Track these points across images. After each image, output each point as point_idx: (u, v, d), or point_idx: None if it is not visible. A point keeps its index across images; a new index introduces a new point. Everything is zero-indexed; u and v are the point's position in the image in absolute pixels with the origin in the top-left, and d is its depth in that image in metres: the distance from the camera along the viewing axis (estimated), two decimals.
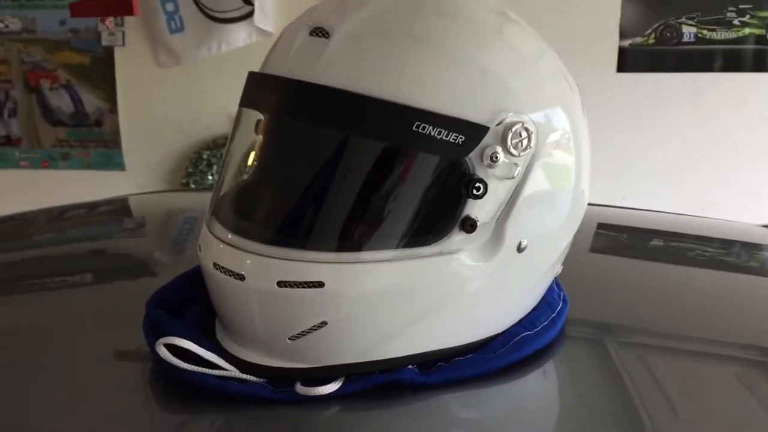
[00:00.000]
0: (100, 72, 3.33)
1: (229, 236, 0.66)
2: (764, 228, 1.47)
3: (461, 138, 0.62)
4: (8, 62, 3.35)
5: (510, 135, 0.64)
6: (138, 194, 1.93)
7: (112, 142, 3.41)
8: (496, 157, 0.64)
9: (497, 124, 0.64)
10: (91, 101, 3.39)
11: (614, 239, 1.34)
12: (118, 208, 1.58)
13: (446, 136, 0.62)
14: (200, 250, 0.70)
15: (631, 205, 1.66)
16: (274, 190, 0.69)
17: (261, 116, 0.70)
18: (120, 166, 3.43)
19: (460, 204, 0.65)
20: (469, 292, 0.67)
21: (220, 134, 3.28)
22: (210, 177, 3.25)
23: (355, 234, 0.64)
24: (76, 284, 1.02)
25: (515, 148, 0.65)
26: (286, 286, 0.62)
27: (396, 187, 0.64)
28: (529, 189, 0.67)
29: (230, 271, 0.64)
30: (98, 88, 3.36)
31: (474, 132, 0.63)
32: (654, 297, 0.95)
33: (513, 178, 0.66)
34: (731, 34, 2.96)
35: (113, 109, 3.37)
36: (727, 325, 0.85)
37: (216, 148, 3.27)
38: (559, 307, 0.79)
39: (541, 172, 0.67)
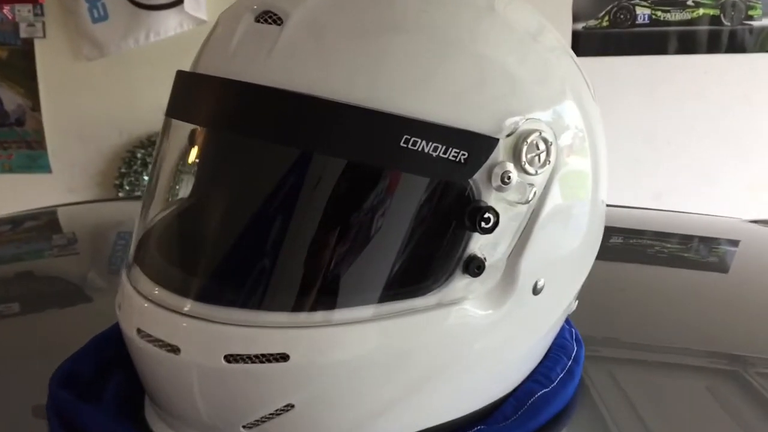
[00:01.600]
0: (20, 67, 3.04)
1: (157, 291, 0.49)
2: (724, 218, 1.49)
3: (463, 155, 0.47)
4: None
5: (525, 148, 0.49)
6: (67, 205, 1.73)
7: (36, 142, 3.16)
8: (509, 178, 0.48)
9: (508, 135, 0.49)
10: (11, 98, 3.09)
11: None
12: (46, 222, 1.45)
13: (444, 152, 0.46)
14: (119, 310, 0.52)
15: None
16: (217, 229, 0.52)
17: (195, 127, 0.53)
18: (45, 168, 3.16)
19: (463, 240, 0.50)
20: (475, 349, 0.53)
21: (156, 131, 3.03)
22: (146, 177, 3.02)
23: (327, 287, 0.48)
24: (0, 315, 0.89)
25: (531, 164, 0.50)
26: (237, 361, 0.46)
27: (379, 221, 0.48)
28: (546, 212, 0.52)
29: (160, 341, 0.48)
30: (18, 84, 3.08)
31: (480, 146, 0.48)
32: (617, 302, 0.90)
33: (528, 202, 0.51)
34: (685, 15, 2.88)
35: (35, 107, 3.13)
36: (694, 330, 0.83)
37: (151, 146, 3.03)
38: (574, 352, 0.64)
39: (557, 186, 0.53)
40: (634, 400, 0.63)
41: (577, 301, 0.64)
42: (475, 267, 0.50)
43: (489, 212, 0.49)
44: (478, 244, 0.50)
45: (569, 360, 0.63)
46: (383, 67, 0.46)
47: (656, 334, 0.79)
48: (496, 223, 0.49)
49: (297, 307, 0.47)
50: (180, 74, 0.52)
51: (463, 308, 0.51)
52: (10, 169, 3.18)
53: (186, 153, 0.53)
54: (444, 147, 0.46)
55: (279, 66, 0.46)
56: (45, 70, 3.08)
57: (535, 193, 0.51)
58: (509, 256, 0.52)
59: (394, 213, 0.48)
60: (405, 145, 0.45)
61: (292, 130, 0.46)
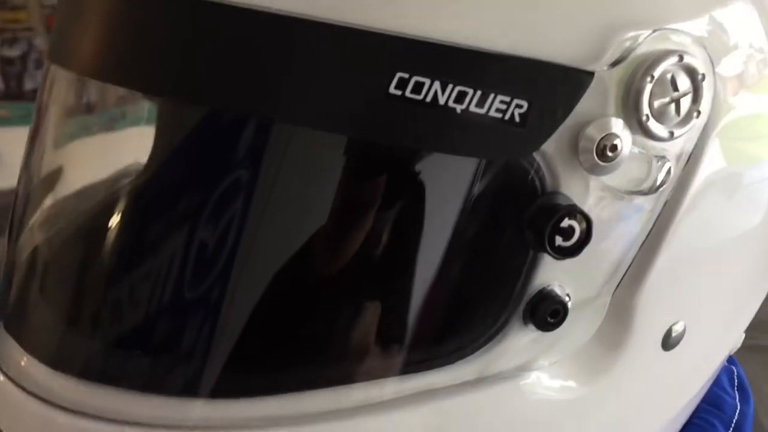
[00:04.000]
0: None
1: (24, 361, 0.30)
2: None
3: (519, 106, 0.23)
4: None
5: (649, 87, 0.25)
6: None
7: None
8: (616, 148, 0.25)
9: (614, 63, 0.24)
10: None
11: None
12: None
13: (480, 103, 0.23)
14: None
15: None
16: (101, 251, 0.31)
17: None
18: None
19: (523, 268, 0.26)
20: None
21: None
22: None
23: (274, 356, 0.27)
24: None
25: (663, 118, 0.25)
26: None
27: (362, 240, 0.26)
28: (690, 200, 0.28)
29: None
30: None
31: (553, 86, 0.24)
32: None
33: (656, 189, 0.27)
34: None
35: None
36: None
37: None
38: (736, 414, 0.40)
39: (718, 152, 0.28)
40: None
41: (743, 335, 0.39)
42: (548, 313, 0.27)
43: (571, 217, 0.25)
44: (555, 273, 0.27)
45: (727, 429, 0.39)
46: None
47: None
48: (586, 237, 0.25)
49: (207, 391, 0.26)
50: None
51: (523, 384, 0.28)
52: None
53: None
54: (478, 92, 0.23)
55: None
56: None
57: (669, 171, 0.27)
58: (618, 288, 0.28)
59: (385, 221, 0.26)
60: (399, 92, 0.23)
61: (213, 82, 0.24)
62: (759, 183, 0.32)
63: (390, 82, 0.22)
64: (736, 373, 0.43)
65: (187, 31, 0.23)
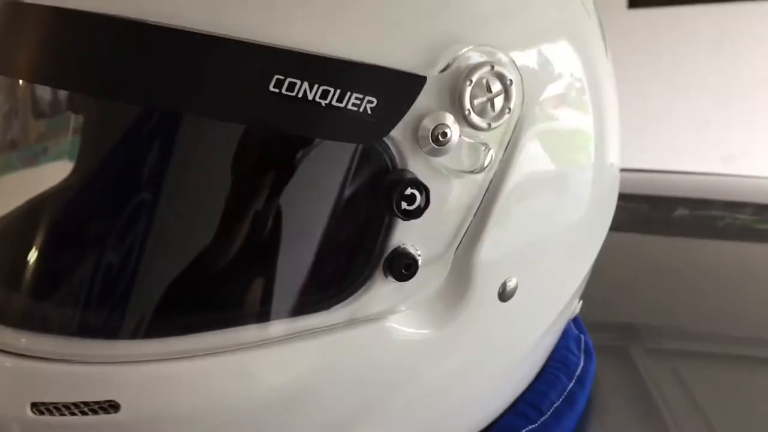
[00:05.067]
0: None
1: None
2: None
3: (370, 102, 0.31)
4: None
5: (469, 89, 0.33)
6: None
7: None
8: (446, 135, 0.32)
9: (443, 70, 0.33)
10: None
11: (632, 212, 1.13)
12: None
13: (339, 99, 0.31)
14: None
15: (650, 163, 1.49)
16: (26, 222, 0.37)
17: None
18: None
19: (380, 229, 0.34)
20: (413, 382, 0.37)
21: None
22: None
23: (181, 302, 0.33)
24: None
25: (482, 113, 0.33)
26: (49, 412, 0.32)
27: (252, 208, 0.33)
28: (515, 182, 0.36)
29: None
30: None
31: (396, 87, 0.32)
32: (684, 284, 0.78)
33: (483, 169, 0.35)
34: None
35: None
36: None
37: None
38: (579, 368, 0.48)
39: (537, 147, 0.37)
40: (701, 400, 0.53)
41: (581, 302, 0.48)
42: (402, 267, 0.34)
43: (413, 187, 0.33)
44: (407, 234, 0.34)
45: (570, 381, 0.47)
46: None
47: (726, 322, 0.69)
48: (425, 203, 0.33)
49: (134, 331, 0.33)
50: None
51: (388, 326, 0.35)
52: None
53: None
54: (338, 91, 0.31)
55: None
56: None
57: (492, 156, 0.35)
58: (459, 247, 0.36)
59: (271, 192, 0.33)
60: (277, 90, 0.30)
61: (115, 74, 0.31)
62: (581, 184, 0.41)
63: (269, 82, 0.30)
64: (583, 340, 0.51)
65: (113, 42, 0.30)
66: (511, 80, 0.34)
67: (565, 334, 0.50)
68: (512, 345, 0.41)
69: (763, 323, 0.68)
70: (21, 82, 0.36)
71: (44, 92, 0.35)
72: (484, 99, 0.33)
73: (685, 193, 1.28)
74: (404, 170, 0.33)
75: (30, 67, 0.33)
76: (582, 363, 0.48)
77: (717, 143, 2.61)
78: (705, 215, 1.17)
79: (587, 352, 0.50)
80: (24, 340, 0.32)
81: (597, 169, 0.42)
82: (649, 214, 1.18)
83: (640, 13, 2.70)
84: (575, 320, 0.53)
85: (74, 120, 0.35)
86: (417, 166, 0.33)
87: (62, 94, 0.35)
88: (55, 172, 0.36)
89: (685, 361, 0.61)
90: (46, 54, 0.32)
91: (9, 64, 0.34)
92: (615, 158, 0.44)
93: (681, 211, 1.19)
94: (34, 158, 0.37)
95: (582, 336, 0.52)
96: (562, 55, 0.39)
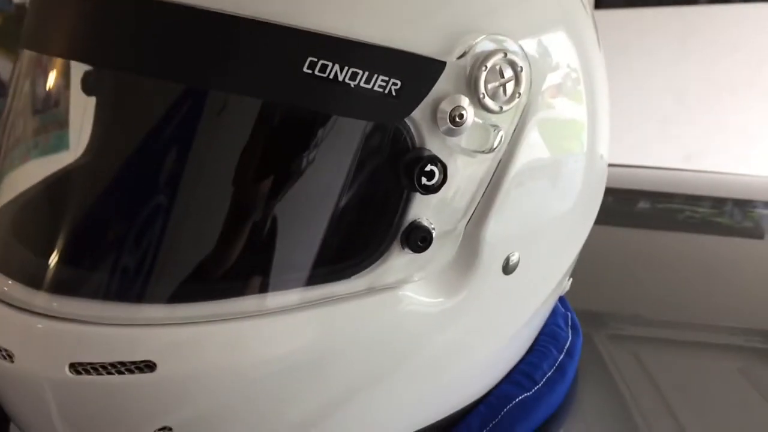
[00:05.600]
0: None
1: (6, 287, 0.37)
2: (761, 178, 1.42)
3: (395, 84, 0.34)
4: None
5: (484, 75, 0.36)
6: None
7: None
8: (462, 116, 0.35)
9: (460, 56, 0.35)
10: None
11: None
12: None
13: (367, 81, 0.33)
14: None
15: (615, 158, 1.44)
16: (61, 192, 0.39)
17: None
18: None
19: (400, 203, 0.36)
20: (424, 348, 0.40)
21: None
22: None
23: (212, 269, 0.35)
24: None
25: (494, 97, 0.36)
26: (87, 372, 0.34)
27: (281, 180, 0.35)
28: (519, 164, 0.39)
29: None
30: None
31: (417, 71, 0.34)
32: (645, 273, 0.82)
33: (493, 150, 0.37)
34: None
35: None
36: (727, 304, 0.73)
37: None
38: (567, 342, 0.51)
39: (537, 134, 0.40)
40: (661, 383, 0.55)
41: (570, 279, 0.51)
42: (418, 239, 0.37)
43: (432, 164, 0.35)
44: (423, 209, 0.37)
45: (560, 353, 0.50)
46: None
47: (686, 310, 0.71)
48: (442, 179, 0.36)
49: (168, 297, 0.34)
50: None
51: (403, 294, 0.38)
52: None
53: (36, 96, 0.40)
54: (366, 73, 0.33)
55: None
56: None
57: (502, 137, 0.38)
58: (468, 223, 0.39)
59: (298, 166, 0.35)
60: (310, 71, 0.32)
61: (161, 58, 0.33)
62: (573, 173, 0.44)
63: (303, 64, 0.32)
64: (570, 317, 0.55)
65: (149, 22, 0.32)
66: (521, 67, 0.37)
67: (553, 312, 0.53)
68: (512, 316, 0.44)
69: (720, 311, 0.71)
70: (55, 59, 0.38)
71: (82, 69, 0.37)
72: (497, 84, 0.36)
73: (648, 187, 1.31)
74: (423, 148, 0.36)
75: (66, 44, 0.34)
76: (570, 337, 0.52)
77: (678, 140, 2.69)
78: (666, 208, 1.21)
79: (574, 328, 0.53)
80: (56, 303, 0.34)
81: (588, 159, 0.45)
82: (612, 206, 1.24)
83: (607, 14, 2.77)
84: (561, 300, 0.56)
85: (108, 95, 0.37)
86: (434, 144, 0.36)
87: (103, 72, 0.37)
88: (84, 146, 0.38)
89: (646, 346, 0.63)
90: (82, 31, 0.34)
91: (44, 42, 0.36)
92: (604, 150, 0.47)
93: (643, 204, 1.22)
94: (63, 131, 0.39)
95: (569, 314, 0.55)
96: (561, 46, 0.41)
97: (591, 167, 0.45)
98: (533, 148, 0.40)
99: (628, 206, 1.20)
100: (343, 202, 0.36)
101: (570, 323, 0.54)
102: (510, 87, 0.37)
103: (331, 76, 0.32)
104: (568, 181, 0.43)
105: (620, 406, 0.52)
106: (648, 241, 0.99)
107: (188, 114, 0.35)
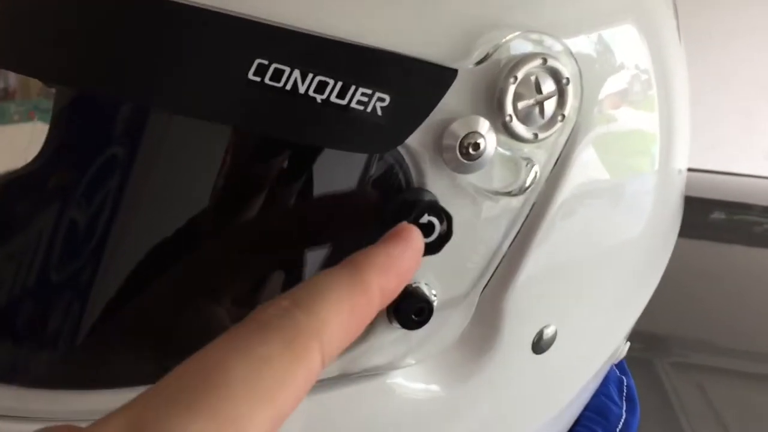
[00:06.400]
0: None
1: None
2: None
3: (380, 99, 0.23)
4: None
5: (512, 88, 0.25)
6: None
7: None
8: (478, 147, 0.25)
9: (479, 62, 0.25)
10: None
11: None
12: None
13: (340, 95, 0.23)
14: None
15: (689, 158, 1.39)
16: None
17: None
18: None
19: None
20: None
21: None
22: None
23: (129, 350, 0.26)
24: None
25: (527, 120, 0.26)
26: None
27: (220, 222, 0.25)
28: (562, 200, 0.28)
29: None
30: None
31: (416, 82, 0.24)
32: (715, 292, 0.76)
33: (524, 191, 0.27)
34: None
35: None
36: None
37: None
38: (620, 422, 0.40)
39: (591, 154, 0.29)
40: (728, 422, 0.52)
41: (627, 343, 0.40)
42: (411, 311, 0.27)
43: (431, 213, 0.25)
44: (420, 271, 0.27)
45: None
46: None
47: (760, 338, 0.66)
48: (446, 234, 0.25)
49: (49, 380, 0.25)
50: None
51: (389, 383, 0.28)
52: None
53: None
54: (338, 84, 0.23)
55: None
56: None
57: (537, 174, 0.27)
58: (486, 288, 0.28)
59: (244, 210, 0.25)
60: (258, 78, 0.22)
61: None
62: (641, 195, 0.33)
63: (249, 68, 0.22)
64: (626, 384, 0.44)
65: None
66: (567, 78, 0.26)
67: (605, 377, 0.42)
68: (543, 406, 0.33)
69: None
70: None
71: None
72: (531, 102, 0.25)
73: (722, 196, 1.22)
74: (421, 190, 0.26)
75: None
76: (624, 415, 0.41)
77: (761, 138, 2.48)
78: (742, 220, 1.14)
79: (630, 400, 0.42)
80: None
81: (661, 178, 0.34)
82: (682, 215, 1.19)
83: None
84: (621, 364, 0.45)
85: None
86: (438, 184, 0.26)
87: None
88: None
89: (713, 377, 0.58)
90: None
91: None
92: (683, 164, 0.36)
93: (717, 215, 1.14)
94: None
95: (624, 378, 0.44)
96: (626, 41, 0.30)
97: (664, 187, 0.34)
98: (583, 174, 0.29)
99: (700, 216, 1.12)
100: (305, 261, 0.26)
101: (626, 394, 0.43)
102: (550, 106, 0.26)
103: (288, 87, 0.22)
104: (632, 208, 0.32)
105: None
106: (720, 256, 0.94)
107: (109, 135, 0.25)
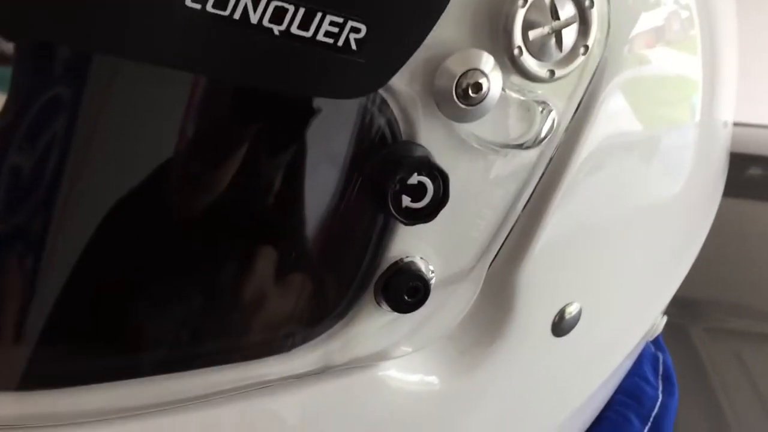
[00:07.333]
0: None
1: None
2: None
3: (355, 30, 0.18)
4: None
5: (521, 13, 0.20)
6: None
7: None
8: (480, 87, 0.20)
9: None
10: None
11: None
12: None
13: (303, 26, 0.18)
14: None
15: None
16: None
17: None
18: None
19: (370, 236, 0.21)
20: None
21: None
22: None
23: (94, 344, 0.22)
24: None
25: (541, 53, 0.20)
26: None
27: (163, 195, 0.21)
28: (586, 154, 0.23)
29: None
30: None
31: (401, 7, 0.19)
32: (753, 253, 0.74)
33: (539, 143, 0.22)
34: None
35: None
36: None
37: None
38: (657, 404, 0.35)
39: (620, 101, 0.24)
40: (765, 389, 0.48)
41: (664, 317, 0.35)
42: (403, 291, 0.22)
43: (421, 172, 0.20)
44: (414, 241, 0.22)
45: (645, 424, 0.34)
46: None
47: None
48: (441, 198, 0.21)
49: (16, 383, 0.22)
50: None
51: (380, 376, 0.23)
52: None
53: None
54: (301, 11, 0.18)
55: None
56: None
57: (554, 122, 0.22)
58: (494, 261, 0.24)
59: (195, 171, 0.21)
60: (198, 6, 0.17)
61: None
62: (679, 149, 0.28)
63: None
64: (662, 361, 0.39)
65: None
66: (589, 4, 0.21)
67: (638, 356, 0.37)
68: (564, 397, 0.28)
69: None
70: None
71: None
72: (545, 30, 0.20)
73: (761, 151, 1.17)
74: (411, 144, 0.21)
75: None
76: (661, 397, 0.36)
77: None
78: None
79: (667, 379, 0.37)
80: None
81: (703, 131, 0.29)
82: None
83: None
84: (657, 340, 0.40)
85: None
86: (432, 136, 0.21)
87: None
88: None
89: (750, 343, 0.56)
90: None
91: None
92: (728, 116, 0.31)
93: (754, 170, 1.10)
94: None
95: (660, 355, 0.39)
96: None
97: (708, 143, 0.30)
98: (611, 124, 0.24)
99: (736, 172, 1.07)
100: (272, 236, 0.21)
101: (662, 372, 0.38)
102: (570, 35, 0.21)
103: (236, 16, 0.18)
104: (669, 168, 0.28)
105: (716, 411, 0.45)
106: (757, 214, 0.90)
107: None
